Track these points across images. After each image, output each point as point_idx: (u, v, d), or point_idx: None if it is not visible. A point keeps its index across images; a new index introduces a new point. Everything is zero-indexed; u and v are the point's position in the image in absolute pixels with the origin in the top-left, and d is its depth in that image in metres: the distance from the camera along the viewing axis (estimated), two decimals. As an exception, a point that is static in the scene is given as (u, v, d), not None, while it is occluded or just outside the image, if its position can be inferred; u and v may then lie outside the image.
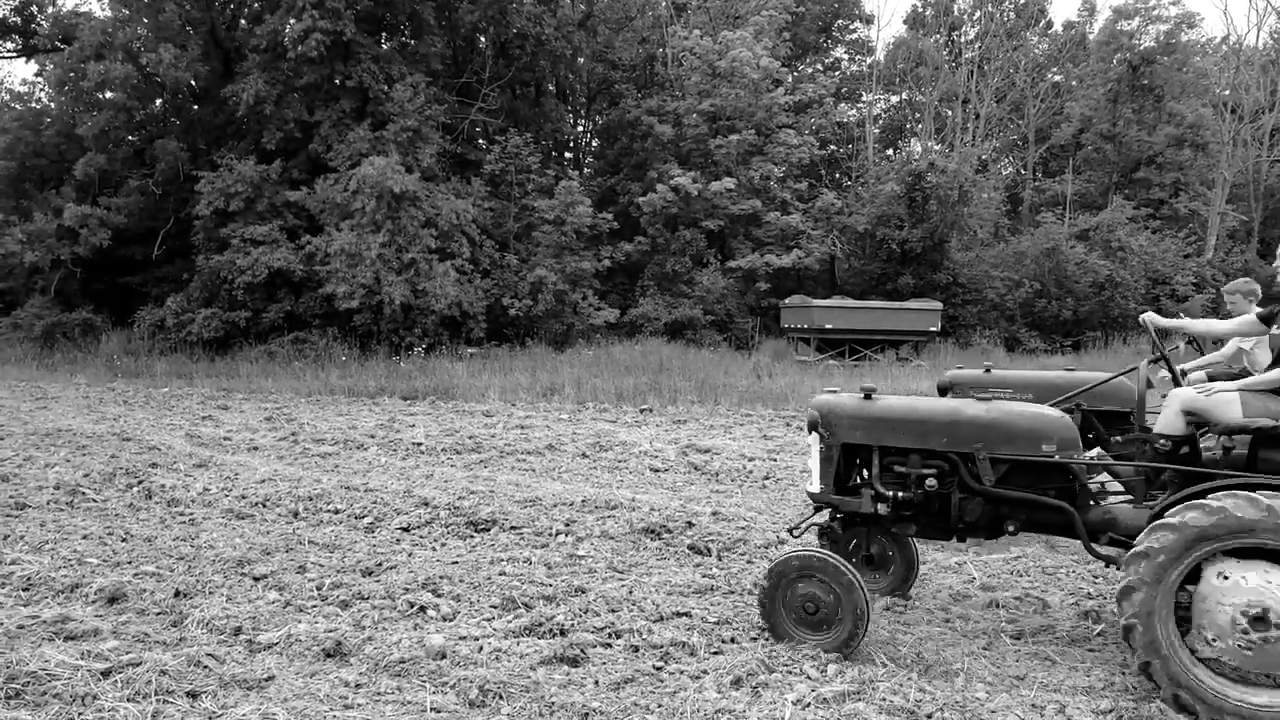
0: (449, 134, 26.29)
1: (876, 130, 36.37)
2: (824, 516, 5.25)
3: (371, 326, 23.10)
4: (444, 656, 4.59)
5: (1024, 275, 27.00)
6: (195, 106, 27.42)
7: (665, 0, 31.43)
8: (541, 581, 5.88)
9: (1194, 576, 3.95)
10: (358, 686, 4.27)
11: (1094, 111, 33.40)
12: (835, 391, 5.13)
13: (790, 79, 30.29)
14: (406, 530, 7.37)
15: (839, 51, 39.84)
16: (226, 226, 23.80)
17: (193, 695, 4.12)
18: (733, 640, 4.90)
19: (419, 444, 11.85)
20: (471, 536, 7.13)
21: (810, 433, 4.95)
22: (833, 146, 34.97)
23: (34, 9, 29.66)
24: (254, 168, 23.63)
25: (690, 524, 7.46)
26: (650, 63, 31.51)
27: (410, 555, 6.54)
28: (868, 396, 4.93)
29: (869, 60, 37.88)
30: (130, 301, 25.93)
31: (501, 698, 4.12)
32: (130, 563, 6.28)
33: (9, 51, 30.76)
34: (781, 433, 13.11)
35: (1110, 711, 4.07)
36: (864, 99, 37.57)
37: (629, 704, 4.07)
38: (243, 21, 26.76)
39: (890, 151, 37.94)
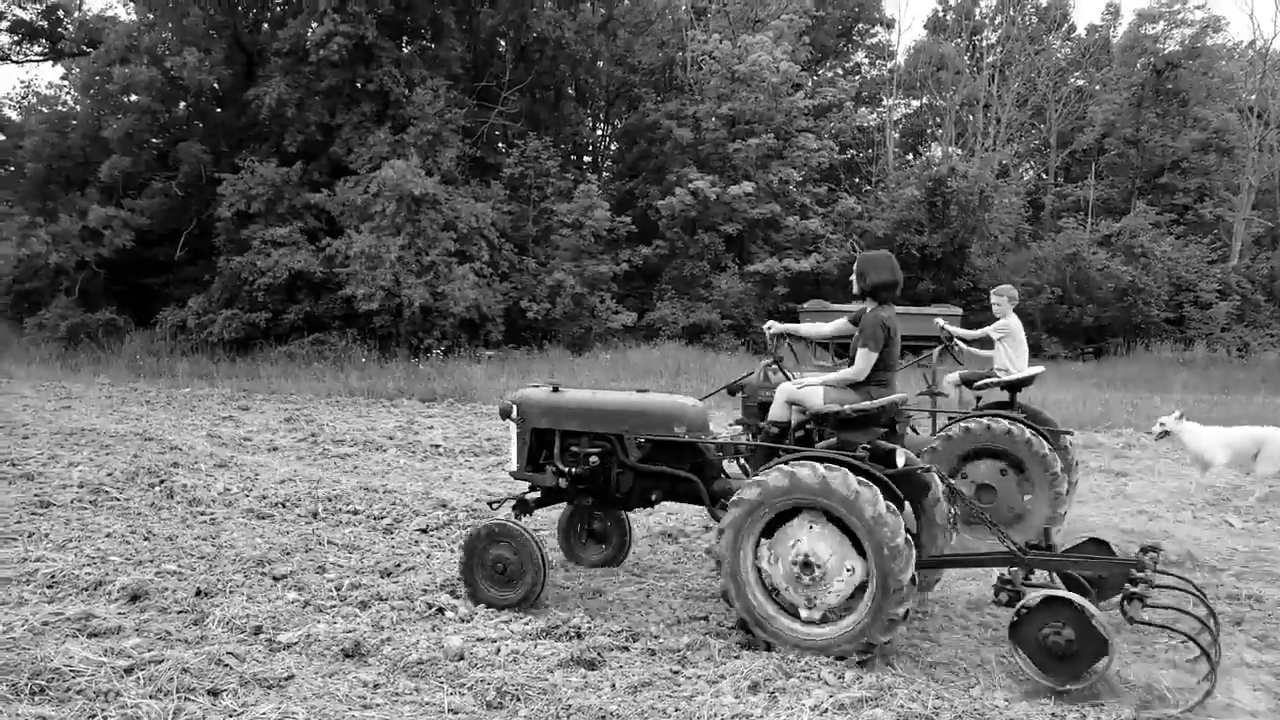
0: (469, 137, 26.40)
1: (897, 135, 36.25)
2: (565, 494, 5.89)
3: (391, 329, 23.22)
4: (462, 658, 4.61)
5: (1045, 281, 26.81)
6: (218, 109, 27.67)
7: (685, 4, 31.44)
8: (559, 584, 5.89)
9: (772, 531, 4.78)
10: (376, 687, 4.29)
11: (1117, 116, 33.14)
12: (536, 386, 5.98)
13: (810, 83, 30.26)
14: (425, 532, 7.40)
15: (859, 56, 39.74)
16: (248, 228, 23.98)
17: (214, 693, 4.15)
18: (750, 645, 4.89)
19: (437, 446, 11.90)
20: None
21: (504, 419, 5.84)
22: (852, 151, 34.82)
23: (61, 13, 30.07)
24: (275, 170, 23.81)
25: (708, 527, 7.46)
26: (670, 66, 31.54)
27: (429, 557, 6.57)
28: (555, 390, 5.84)
29: (889, 64, 37.78)
30: (152, 302, 26.17)
31: (519, 700, 4.13)
32: (152, 561, 6.34)
33: (37, 55, 31.20)
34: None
35: (1132, 721, 4.03)
36: (884, 103, 37.46)
37: (646, 707, 4.07)
38: (265, 25, 27.00)
39: (910, 156, 37.80)
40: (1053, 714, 4.07)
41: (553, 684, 4.30)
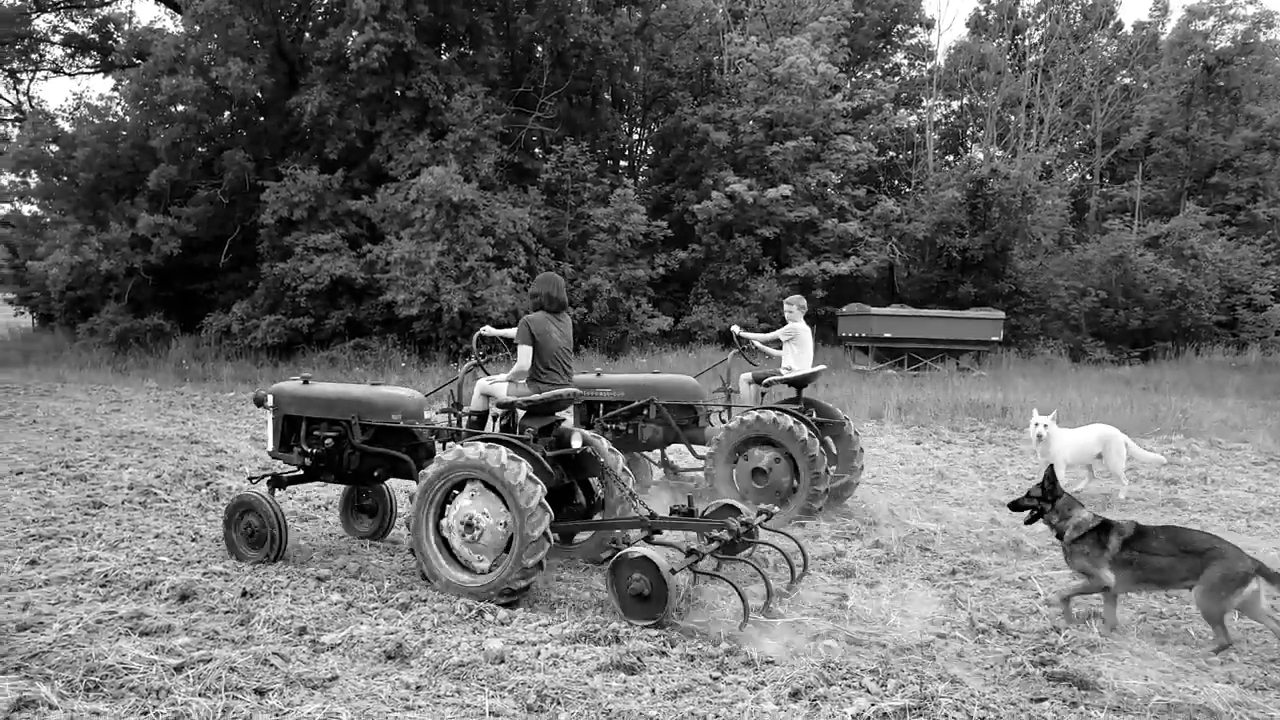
0: (506, 143, 26.57)
1: (936, 136, 35.86)
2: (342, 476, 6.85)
3: (430, 333, 23.43)
4: (502, 661, 4.63)
5: (1090, 284, 26.33)
6: (261, 118, 28.14)
7: (722, 7, 31.38)
8: (598, 588, 5.90)
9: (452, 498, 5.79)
10: (418, 688, 4.33)
11: (1165, 115, 32.47)
12: (300, 379, 6.90)
13: (848, 85, 30.02)
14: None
15: (899, 57, 39.36)
16: (290, 235, 24.36)
17: (260, 692, 4.21)
18: (790, 651, 4.85)
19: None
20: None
21: (259, 407, 6.90)
22: (892, 153, 34.50)
23: (111, 27, 30.78)
24: (317, 177, 24.15)
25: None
26: (707, 70, 31.49)
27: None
28: (305, 382, 6.85)
29: (929, 65, 37.37)
30: (198, 308, 26.66)
31: (559, 703, 4.14)
32: (199, 562, 6.46)
33: (88, 68, 32.01)
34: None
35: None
36: (924, 104, 37.09)
37: (686, 713, 4.06)
38: (307, 34, 27.40)
39: (951, 157, 37.37)
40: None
41: (592, 688, 4.30)
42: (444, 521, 5.79)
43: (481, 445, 5.64)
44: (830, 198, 27.23)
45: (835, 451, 8.53)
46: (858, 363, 22.71)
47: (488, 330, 7.50)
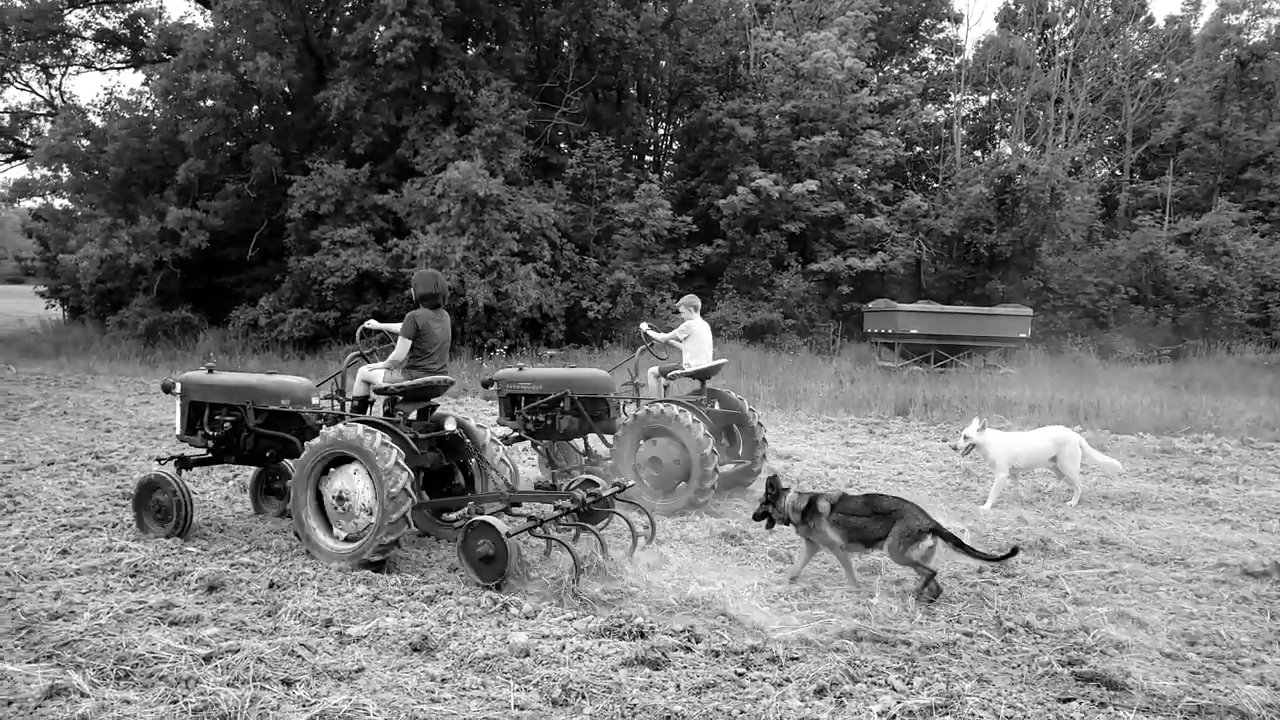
0: (532, 138, 26.61)
1: (964, 131, 35.51)
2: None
3: (455, 328, 23.48)
4: (527, 654, 4.64)
5: (1119, 281, 25.99)
6: (289, 112, 28.34)
7: (749, 2, 31.23)
8: (622, 583, 5.90)
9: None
10: (444, 681, 4.35)
11: (1198, 110, 31.95)
12: (206, 368, 7.50)
13: (875, 80, 29.78)
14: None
15: (926, 51, 38.98)
16: (317, 229, 24.53)
17: (287, 683, 4.25)
18: (815, 648, 4.84)
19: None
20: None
21: (167, 393, 7.45)
22: (919, 148, 34.18)
23: (142, 22, 31.11)
24: (344, 172, 24.30)
25: (773, 529, 7.39)
26: (733, 65, 31.34)
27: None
28: (210, 370, 7.46)
29: (957, 60, 37.00)
30: (225, 301, 26.91)
31: (584, 697, 4.15)
32: (227, 553, 6.53)
33: (119, 63, 32.37)
34: (864, 440, 12.90)
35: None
36: (952, 99, 36.74)
37: (711, 709, 4.06)
38: (334, 29, 27.56)
39: (979, 153, 36.99)
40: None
41: (617, 682, 4.31)
42: (323, 494, 6.40)
43: (359, 428, 6.19)
44: (857, 193, 27.04)
45: (740, 439, 9.31)
46: (883, 359, 22.56)
47: (372, 324, 8.26)
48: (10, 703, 4.02)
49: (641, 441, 8.41)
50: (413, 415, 6.94)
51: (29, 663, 4.47)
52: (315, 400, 7.31)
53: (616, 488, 6.91)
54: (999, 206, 26.22)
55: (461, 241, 22.44)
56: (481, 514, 6.19)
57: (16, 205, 34.19)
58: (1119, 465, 9.31)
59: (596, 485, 7.00)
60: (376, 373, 7.19)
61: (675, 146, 34.48)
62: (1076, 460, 8.64)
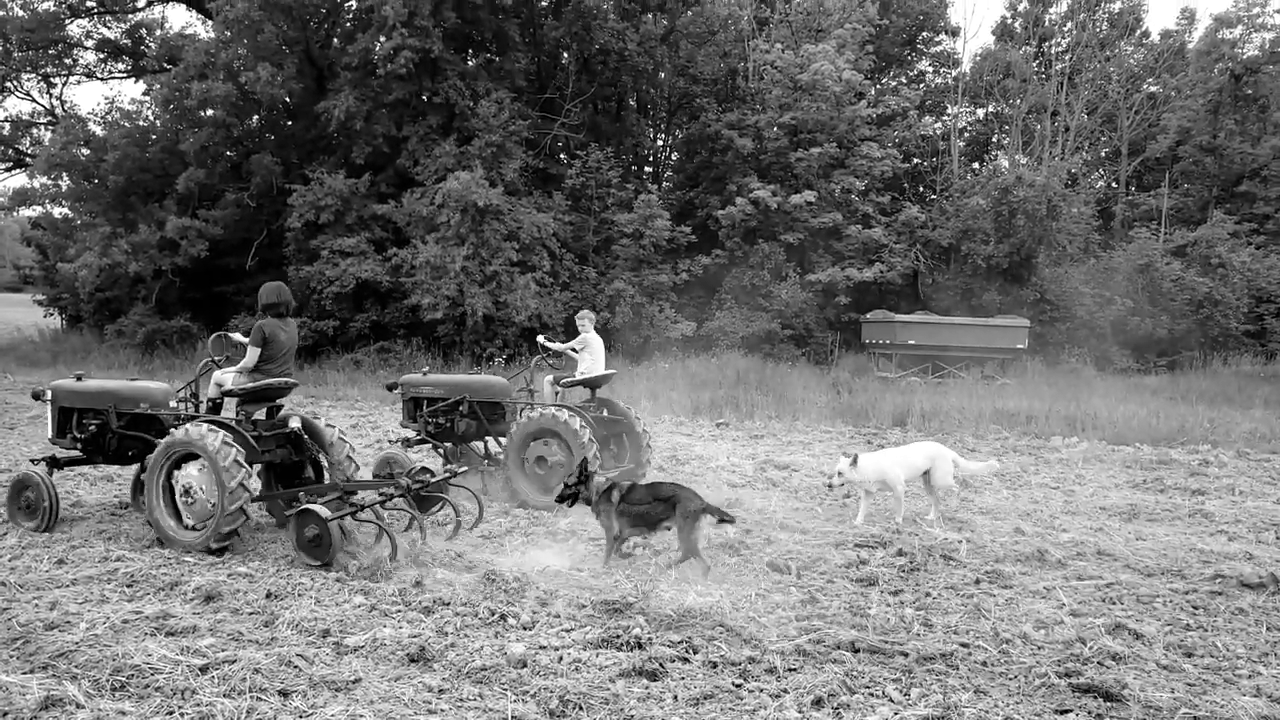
0: (532, 149, 26.67)
1: (962, 143, 35.63)
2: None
3: (454, 337, 23.54)
4: (525, 665, 4.64)
5: (1115, 292, 26.06)
6: (289, 122, 28.37)
7: (748, 14, 31.35)
8: (619, 594, 5.90)
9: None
10: (441, 692, 4.35)
11: (1193, 123, 32.10)
12: (75, 376, 8.06)
13: (873, 92, 29.89)
14: (487, 538, 7.48)
15: (924, 64, 39.12)
16: (316, 238, 24.55)
17: (284, 694, 4.25)
18: (812, 659, 4.84)
19: (498, 454, 11.99)
20: (550, 546, 7.19)
21: (37, 400, 7.93)
22: (916, 160, 34.30)
23: (143, 32, 31.18)
24: (343, 182, 24.33)
25: (769, 540, 7.41)
26: (731, 77, 31.45)
27: (490, 562, 6.63)
28: (79, 379, 8.00)
29: (955, 73, 37.14)
30: (224, 310, 26.89)
31: (581, 709, 4.15)
32: (224, 563, 6.53)
33: (120, 73, 32.41)
34: (862, 450, 12.90)
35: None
36: (949, 112, 36.86)
37: (708, 720, 4.06)
38: (335, 40, 27.63)
39: (976, 165, 37.12)
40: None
41: (614, 693, 4.30)
42: (174, 488, 7.01)
43: (202, 427, 6.86)
44: (854, 204, 27.10)
45: (627, 445, 9.81)
46: (881, 369, 22.59)
47: (230, 334, 8.76)
48: (6, 714, 4.01)
49: (531, 442, 8.88)
50: (261, 415, 7.61)
51: (24, 673, 4.47)
52: (172, 403, 7.90)
53: (448, 474, 7.63)
54: (996, 218, 26.30)
55: (461, 251, 22.47)
56: (308, 503, 6.78)
57: (16, 214, 34.13)
58: (995, 464, 9.44)
59: (430, 473, 7.57)
60: (226, 376, 7.60)
61: (674, 157, 34.56)
62: (948, 474, 8.44)
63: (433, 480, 7.39)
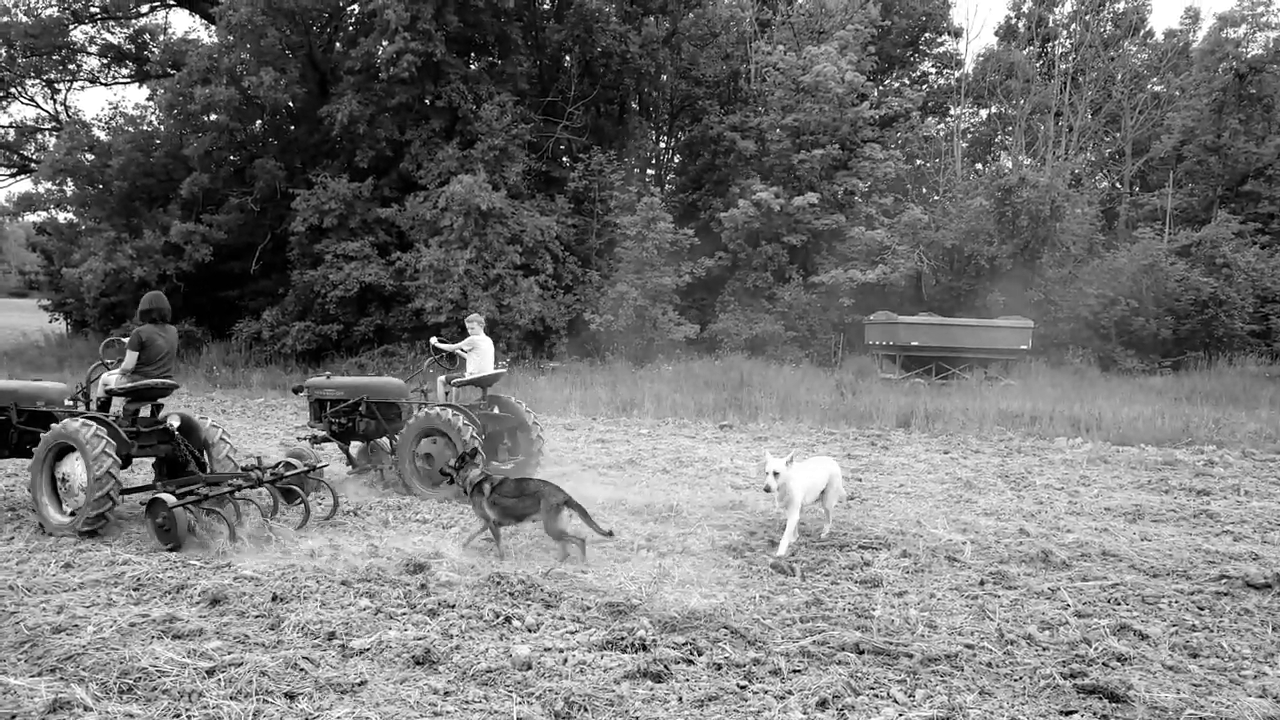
0: (534, 152, 26.71)
1: (965, 144, 35.64)
2: None
3: (455, 340, 23.55)
4: (530, 667, 4.65)
5: (1120, 293, 26.01)
6: (292, 127, 28.45)
7: (750, 16, 31.39)
8: (624, 596, 5.91)
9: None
10: (446, 694, 4.36)
11: (1197, 123, 32.07)
12: None
13: (876, 93, 29.90)
14: (491, 541, 7.48)
15: (926, 65, 39.17)
16: (320, 243, 24.61)
17: (290, 696, 4.26)
18: (817, 661, 4.84)
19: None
20: (554, 548, 7.20)
21: None
22: (919, 161, 34.32)
23: (146, 37, 31.30)
24: (347, 186, 24.40)
25: (773, 543, 7.41)
26: (734, 79, 31.49)
27: (494, 566, 6.64)
28: None
29: (957, 74, 37.16)
30: (229, 315, 26.97)
31: (586, 710, 4.16)
32: (230, 566, 6.54)
33: (124, 78, 32.52)
34: (866, 452, 12.91)
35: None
36: (952, 113, 36.88)
37: (713, 722, 4.06)
38: (338, 45, 27.70)
39: (979, 166, 37.13)
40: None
41: (619, 695, 4.31)
42: (55, 476, 7.68)
43: (76, 422, 7.49)
44: (857, 205, 27.11)
45: (520, 441, 10.28)
46: (885, 371, 22.57)
47: (121, 339, 9.20)
48: (14, 716, 4.03)
49: (420, 439, 9.36)
50: (145, 412, 8.17)
51: (32, 676, 4.49)
52: (66, 401, 8.49)
53: (307, 468, 8.44)
54: (999, 219, 26.28)
55: (464, 255, 22.52)
56: (159, 492, 7.44)
57: (21, 219, 34.29)
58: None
59: (295, 466, 8.33)
60: (111, 377, 8.10)
61: (677, 160, 34.61)
62: (838, 492, 7.97)
63: (288, 475, 8.25)
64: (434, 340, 11.18)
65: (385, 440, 10.28)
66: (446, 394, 10.49)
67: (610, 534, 7.04)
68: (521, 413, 10.26)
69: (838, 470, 8.08)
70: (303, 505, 7.98)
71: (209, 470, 8.27)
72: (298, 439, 10.89)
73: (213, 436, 8.39)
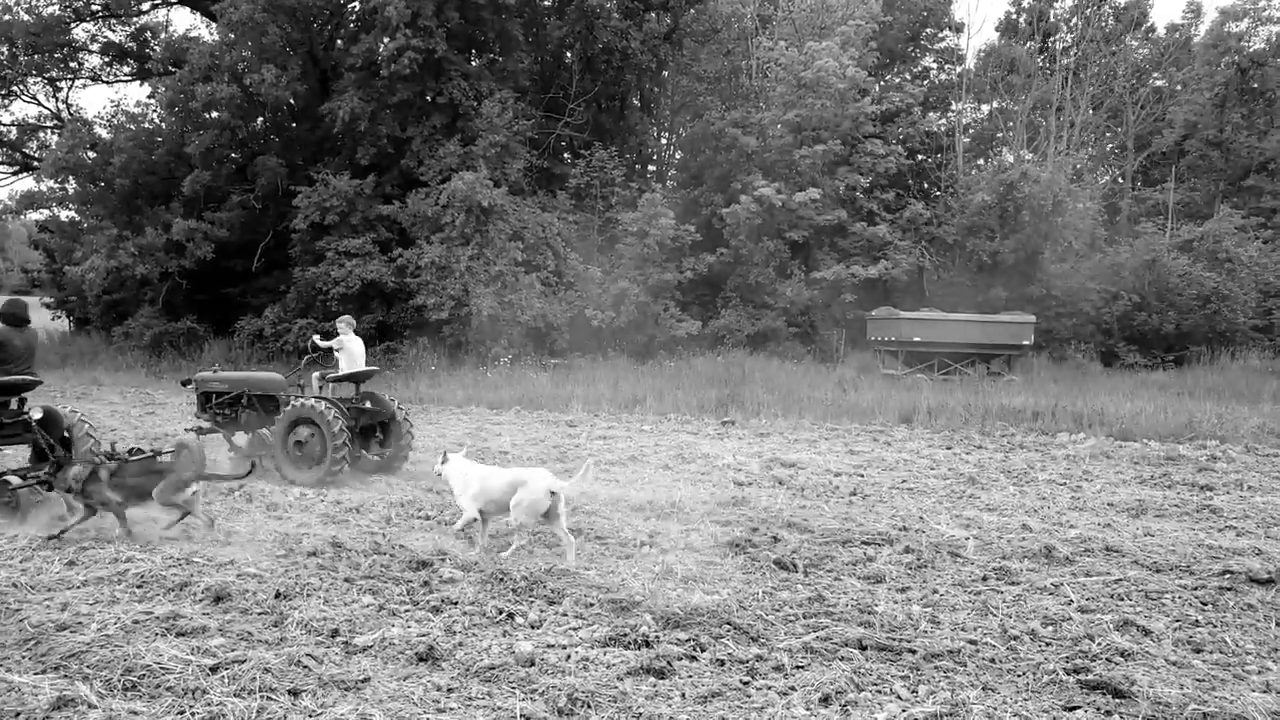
0: (535, 148, 26.68)
1: (966, 139, 35.55)
2: None
3: (460, 337, 23.57)
4: (533, 664, 4.66)
5: (1122, 287, 25.98)
6: (294, 124, 28.43)
7: (751, 12, 31.33)
8: (627, 592, 5.91)
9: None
10: (450, 691, 4.36)
11: (1199, 117, 32.00)
12: None
13: (877, 89, 29.85)
14: (494, 537, 7.49)
15: (928, 60, 39.02)
16: (322, 240, 24.61)
17: (294, 693, 4.27)
18: (820, 657, 4.84)
19: (506, 453, 12.04)
20: (557, 544, 7.20)
21: None
22: (921, 156, 34.22)
23: (148, 35, 31.28)
24: (348, 183, 24.39)
25: (776, 539, 7.41)
26: (735, 74, 31.44)
27: (498, 563, 6.65)
28: None
29: (959, 69, 37.07)
30: (231, 312, 26.98)
31: (590, 707, 4.16)
32: (233, 563, 6.54)
33: (125, 75, 32.50)
34: (868, 447, 12.90)
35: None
36: (954, 108, 36.78)
37: (717, 718, 4.07)
38: (339, 42, 27.67)
39: (981, 161, 37.04)
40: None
41: (623, 691, 4.32)
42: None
43: None
44: (859, 201, 27.08)
45: (391, 433, 10.81)
46: (887, 366, 22.57)
47: (317, 338, 10.11)
48: (18, 714, 4.04)
49: (293, 429, 9.96)
50: (14, 405, 8.71)
51: (36, 674, 4.49)
52: None
53: (151, 454, 8.85)
54: (1001, 214, 26.25)
55: (466, 251, 22.51)
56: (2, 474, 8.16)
57: (23, 217, 34.31)
58: (590, 461, 7.69)
59: (144, 452, 8.79)
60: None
61: (678, 156, 34.55)
62: (529, 512, 6.90)
63: (135, 459, 8.74)
64: (315, 338, 11.69)
65: (266, 431, 10.84)
66: (320, 388, 11.10)
67: (253, 467, 7.96)
68: (393, 407, 10.84)
69: (536, 485, 6.90)
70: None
71: (71, 457, 8.73)
72: (185, 430, 11.49)
73: (78, 430, 8.96)
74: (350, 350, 11.18)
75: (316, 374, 11.31)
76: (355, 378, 11.06)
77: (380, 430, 10.91)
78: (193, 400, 11.59)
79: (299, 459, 9.91)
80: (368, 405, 10.85)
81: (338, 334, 11.38)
